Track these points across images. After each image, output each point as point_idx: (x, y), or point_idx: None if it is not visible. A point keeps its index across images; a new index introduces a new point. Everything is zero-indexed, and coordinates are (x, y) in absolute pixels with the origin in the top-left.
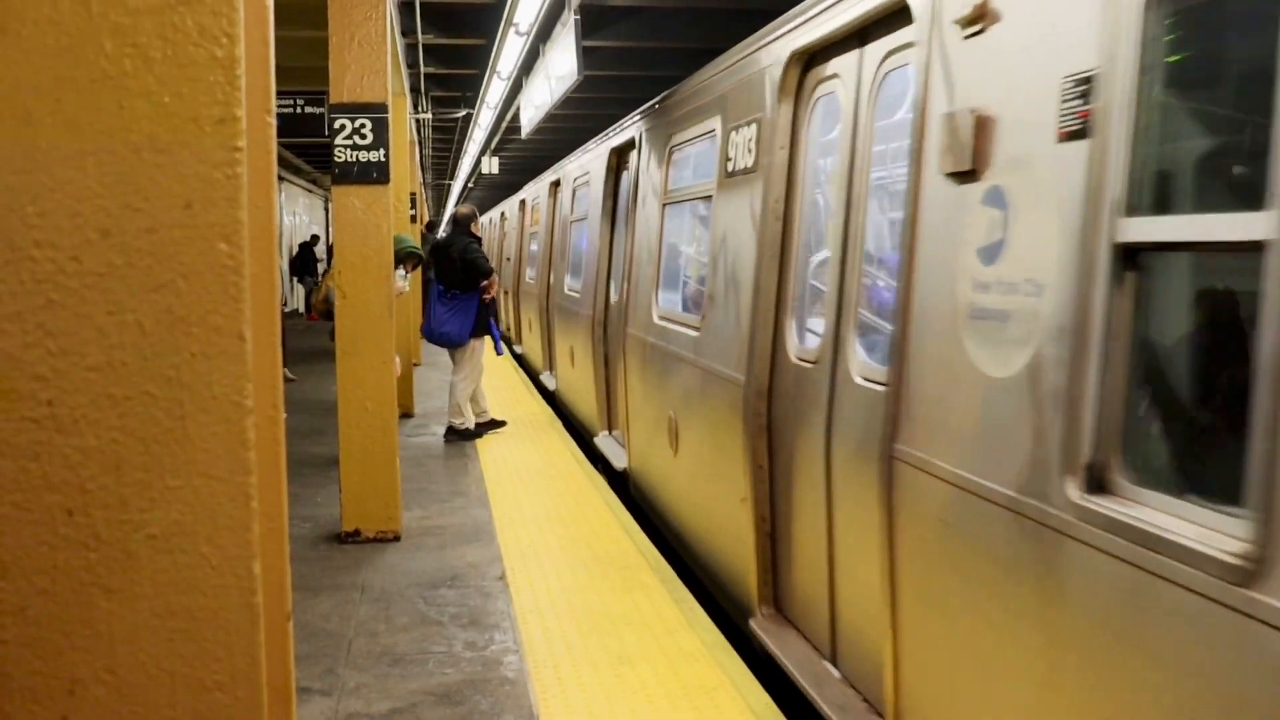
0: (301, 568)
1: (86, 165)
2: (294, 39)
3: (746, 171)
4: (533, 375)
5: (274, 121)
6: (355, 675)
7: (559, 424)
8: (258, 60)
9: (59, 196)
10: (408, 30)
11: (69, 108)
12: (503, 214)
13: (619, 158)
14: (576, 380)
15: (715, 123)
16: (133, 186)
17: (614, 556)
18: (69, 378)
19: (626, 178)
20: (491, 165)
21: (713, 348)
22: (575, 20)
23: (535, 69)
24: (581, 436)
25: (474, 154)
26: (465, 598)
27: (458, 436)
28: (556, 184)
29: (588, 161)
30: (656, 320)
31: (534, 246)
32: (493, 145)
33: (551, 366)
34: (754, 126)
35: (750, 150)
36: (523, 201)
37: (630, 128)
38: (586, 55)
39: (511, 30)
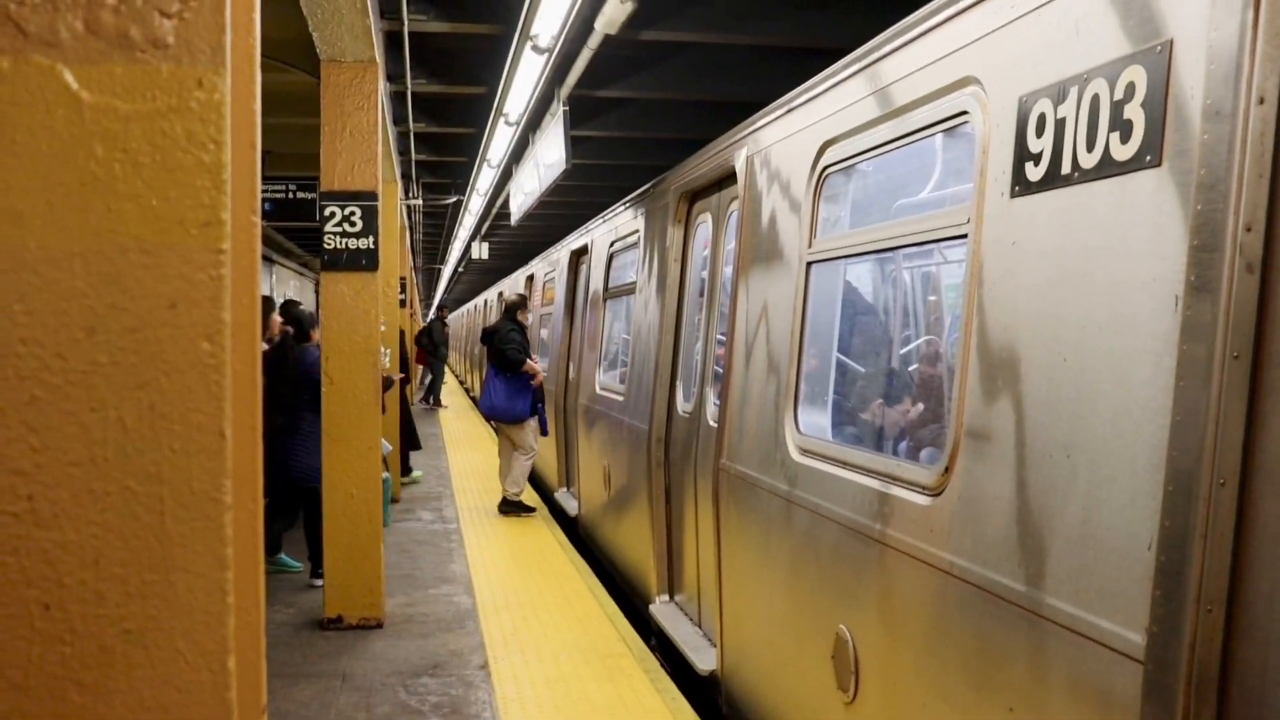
0: (283, 654)
1: (75, 265)
2: (287, 125)
3: (652, 275)
4: None
5: (259, 221)
6: None
7: (541, 505)
8: (244, 163)
9: (46, 296)
10: (399, 119)
11: (59, 210)
12: (485, 301)
13: (576, 259)
14: (542, 448)
15: (639, 237)
16: (119, 286)
17: (597, 644)
18: (50, 473)
19: (581, 275)
20: (482, 250)
21: (631, 408)
22: (564, 111)
23: (525, 157)
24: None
25: (464, 239)
26: (447, 687)
27: (513, 509)
28: (530, 278)
29: (554, 261)
30: (597, 391)
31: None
32: (483, 231)
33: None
34: (657, 242)
35: (655, 260)
36: (500, 293)
37: (584, 235)
38: (575, 144)
39: (501, 120)
